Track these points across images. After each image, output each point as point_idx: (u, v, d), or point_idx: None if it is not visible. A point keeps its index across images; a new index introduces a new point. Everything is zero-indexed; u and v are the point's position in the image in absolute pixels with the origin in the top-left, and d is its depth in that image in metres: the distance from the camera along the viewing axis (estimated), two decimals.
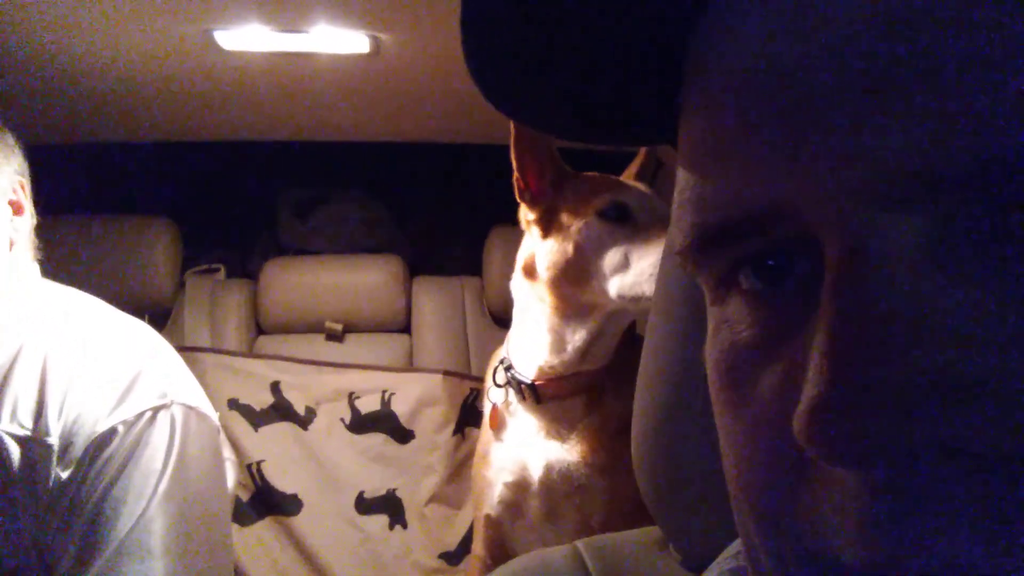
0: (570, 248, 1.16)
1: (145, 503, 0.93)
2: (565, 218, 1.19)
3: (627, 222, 1.14)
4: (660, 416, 0.48)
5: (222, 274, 2.08)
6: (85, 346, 1.01)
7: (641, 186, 1.23)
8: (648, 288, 1.10)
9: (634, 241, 1.12)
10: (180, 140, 1.90)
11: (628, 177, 1.28)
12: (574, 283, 1.18)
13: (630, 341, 1.28)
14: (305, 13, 1.20)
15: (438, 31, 1.30)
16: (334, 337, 2.01)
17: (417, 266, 2.19)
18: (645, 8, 0.27)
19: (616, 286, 1.13)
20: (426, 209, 2.65)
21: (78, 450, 0.93)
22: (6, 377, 0.97)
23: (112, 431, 0.94)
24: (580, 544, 0.58)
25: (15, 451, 0.93)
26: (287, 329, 2.03)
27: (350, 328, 2.03)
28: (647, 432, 0.51)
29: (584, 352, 1.21)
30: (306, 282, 2.04)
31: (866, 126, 0.20)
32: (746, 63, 0.23)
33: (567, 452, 1.21)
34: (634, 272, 1.11)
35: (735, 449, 0.26)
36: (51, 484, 0.92)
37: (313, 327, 2.02)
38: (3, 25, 1.22)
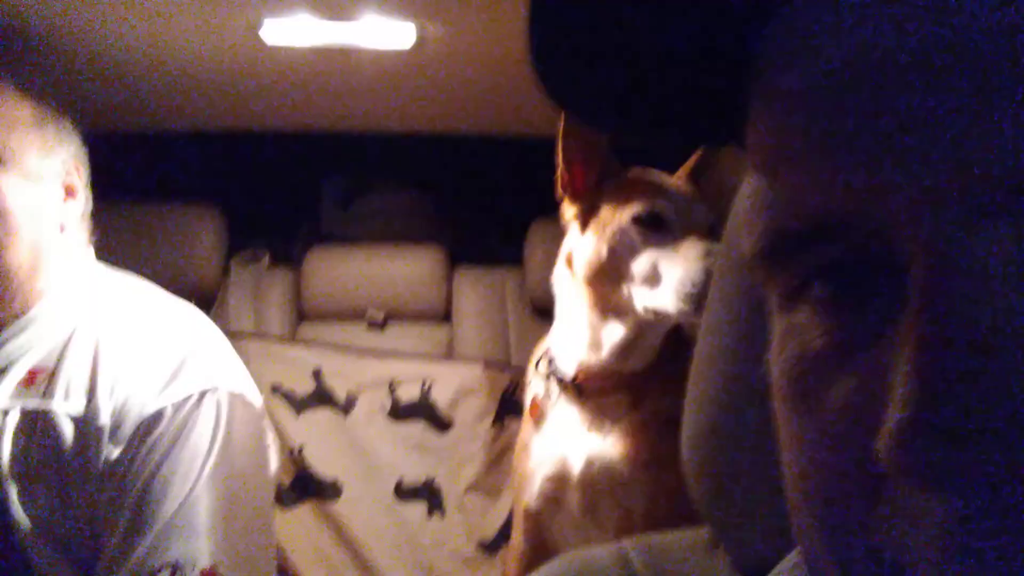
0: (604, 249, 1.15)
1: (191, 483, 0.95)
2: (604, 216, 1.18)
3: (661, 230, 1.12)
4: (713, 417, 0.48)
5: (266, 261, 2.10)
6: (136, 329, 1.03)
7: (687, 189, 1.20)
8: (672, 306, 1.08)
9: (665, 252, 1.10)
10: (227, 129, 1.92)
11: (683, 174, 1.26)
12: (607, 284, 1.17)
13: (676, 339, 1.26)
14: (352, 1, 1.20)
15: (484, 22, 1.29)
16: (375, 325, 2.02)
17: (458, 256, 2.19)
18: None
19: (641, 297, 1.12)
20: (468, 199, 2.65)
21: (128, 430, 0.96)
22: (60, 358, 1.00)
23: (160, 412, 0.96)
24: (626, 543, 0.57)
25: (68, 429, 0.96)
26: (329, 316, 2.05)
27: (391, 316, 2.05)
28: (699, 432, 0.50)
29: (622, 353, 1.19)
30: (348, 270, 2.06)
31: (956, 131, 0.19)
32: (828, 59, 0.23)
33: (609, 447, 1.20)
34: (661, 286, 1.10)
35: (801, 458, 0.26)
36: (102, 462, 0.95)
37: (355, 315, 2.03)
38: (58, 14, 1.24)
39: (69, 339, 1.01)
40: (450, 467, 1.83)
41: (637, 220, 1.13)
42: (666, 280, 1.08)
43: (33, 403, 0.97)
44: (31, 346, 1.00)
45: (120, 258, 1.85)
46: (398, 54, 1.38)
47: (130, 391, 0.97)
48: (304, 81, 1.57)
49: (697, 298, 1.05)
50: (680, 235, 1.11)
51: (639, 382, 1.21)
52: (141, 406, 0.97)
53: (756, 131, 0.27)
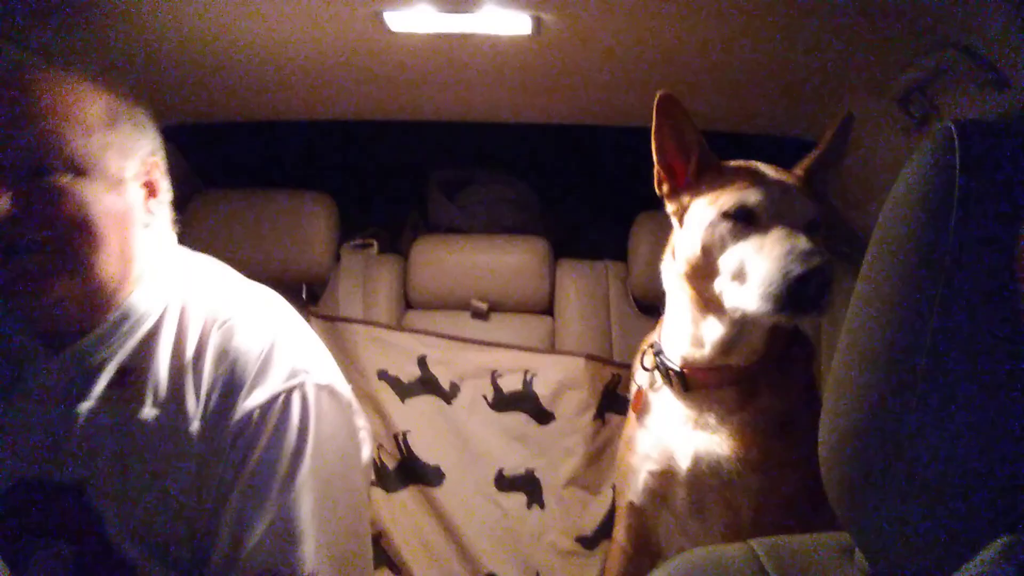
0: (697, 244, 1.13)
1: (287, 487, 0.96)
2: (698, 211, 1.15)
3: (752, 225, 1.09)
4: (860, 420, 0.45)
5: (375, 249, 2.15)
6: (220, 323, 1.03)
7: (789, 181, 1.15)
8: (753, 305, 1.04)
9: (753, 247, 1.07)
10: (341, 119, 1.97)
11: (799, 171, 1.21)
12: (703, 280, 1.15)
13: (791, 336, 1.22)
14: None
15: (600, 11, 1.28)
16: (479, 315, 2.04)
17: (562, 248, 2.18)
18: None
19: (729, 294, 1.09)
20: (573, 192, 2.64)
21: (219, 437, 0.96)
22: (149, 355, 1.00)
23: (249, 417, 0.96)
24: (755, 543, 0.56)
25: (156, 432, 0.97)
26: (434, 305, 2.08)
27: (495, 307, 2.06)
28: (843, 436, 0.47)
29: (724, 347, 1.16)
30: (453, 260, 2.08)
31: None
32: None
33: (717, 445, 1.18)
34: (746, 284, 1.06)
35: None
36: (195, 468, 0.96)
37: (459, 304, 2.06)
38: (185, 7, 1.29)
39: (156, 333, 1.02)
40: (550, 459, 1.83)
41: (726, 215, 1.10)
42: (750, 278, 1.05)
43: (124, 405, 0.98)
44: (121, 344, 1.01)
45: (235, 243, 1.94)
46: (516, 40, 1.38)
47: (217, 394, 0.98)
48: (424, 68, 1.59)
49: (779, 297, 1.01)
50: (767, 232, 1.07)
51: (747, 378, 1.18)
52: (230, 410, 0.97)
53: None
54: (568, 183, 2.65)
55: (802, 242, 1.03)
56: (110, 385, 0.99)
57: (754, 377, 1.18)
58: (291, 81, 1.72)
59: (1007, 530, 0.39)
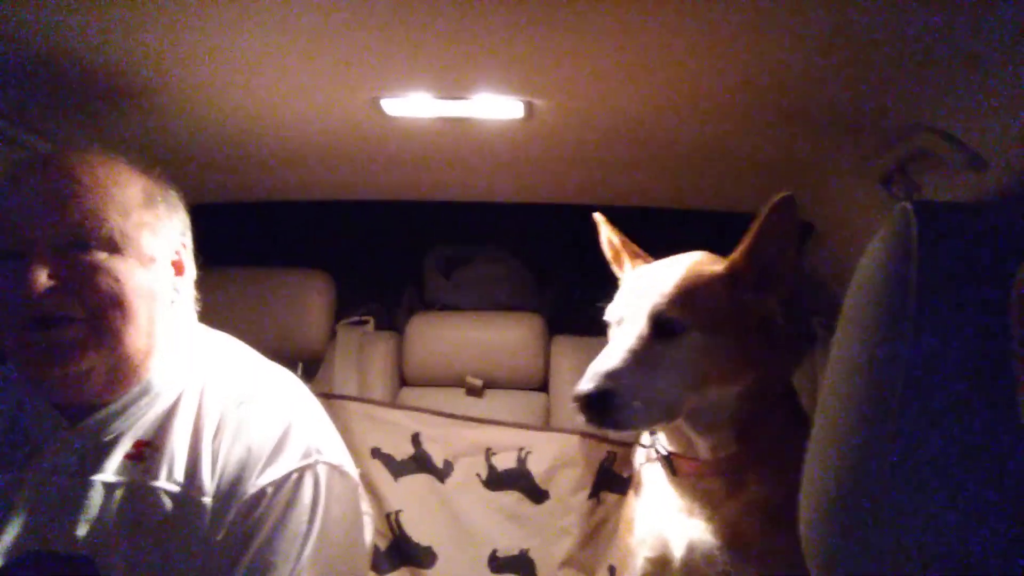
0: None
1: (292, 566, 0.96)
2: None
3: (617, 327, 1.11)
4: (840, 483, 0.46)
5: (371, 326, 2.17)
6: (237, 401, 1.05)
7: (641, 284, 1.12)
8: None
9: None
10: (341, 199, 2.02)
11: (735, 256, 1.13)
12: None
13: (789, 417, 1.21)
14: (466, 82, 1.26)
15: (589, 96, 1.33)
16: (474, 392, 2.04)
17: (557, 325, 2.20)
18: None
19: None
20: (566, 269, 2.67)
21: (231, 511, 0.97)
22: (165, 430, 1.02)
23: (262, 492, 0.98)
24: None
25: (169, 507, 0.98)
26: (429, 382, 2.08)
27: (489, 384, 2.06)
28: (822, 500, 0.48)
29: (681, 442, 1.15)
30: (449, 337, 2.10)
31: None
32: None
33: (711, 534, 1.15)
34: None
35: None
36: (204, 540, 0.96)
37: (454, 381, 2.06)
38: (187, 92, 1.34)
39: (174, 409, 1.04)
40: (545, 540, 1.80)
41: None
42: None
43: (138, 479, 0.99)
44: (139, 417, 1.03)
45: (232, 320, 1.94)
46: (509, 124, 1.43)
47: (233, 469, 0.99)
48: (421, 150, 1.64)
49: (575, 408, 0.99)
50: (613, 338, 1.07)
51: (732, 469, 1.15)
52: (243, 484, 0.98)
53: None
54: (563, 260, 2.68)
55: (597, 361, 1.02)
56: (126, 457, 1.00)
57: (740, 467, 1.15)
58: (292, 163, 1.77)
59: None
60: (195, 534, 0.97)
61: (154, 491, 0.98)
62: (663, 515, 1.21)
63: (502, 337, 2.09)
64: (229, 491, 0.98)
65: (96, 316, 0.95)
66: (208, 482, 0.99)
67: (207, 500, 0.98)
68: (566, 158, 1.65)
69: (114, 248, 0.97)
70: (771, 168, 1.66)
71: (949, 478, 0.39)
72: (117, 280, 0.96)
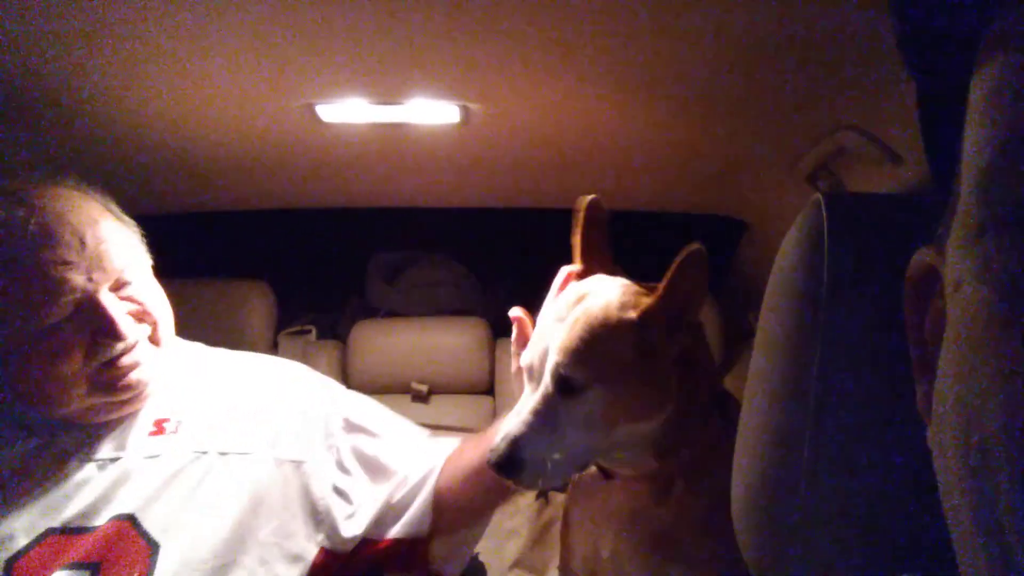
0: None
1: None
2: None
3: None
4: (761, 465, 0.48)
5: (313, 336, 2.15)
6: (239, 370, 1.22)
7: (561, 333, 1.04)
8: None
9: None
10: (278, 208, 1.99)
11: (654, 299, 1.02)
12: None
13: (706, 433, 1.19)
14: (401, 86, 1.26)
15: (523, 99, 1.34)
16: (420, 398, 2.04)
17: (501, 328, 2.21)
18: None
19: None
20: (509, 272, 2.68)
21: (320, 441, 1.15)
22: (179, 408, 1.09)
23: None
24: None
25: (206, 469, 1.05)
26: (375, 390, 2.06)
27: (435, 389, 2.06)
28: (747, 485, 0.50)
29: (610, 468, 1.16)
30: (393, 344, 2.09)
31: None
32: None
33: (639, 541, 1.16)
34: None
35: None
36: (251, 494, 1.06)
37: (400, 388, 2.05)
38: (114, 99, 1.32)
39: (182, 387, 1.13)
40: (494, 542, 1.80)
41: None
42: None
43: (165, 448, 1.05)
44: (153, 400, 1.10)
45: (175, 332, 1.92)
46: (446, 128, 1.44)
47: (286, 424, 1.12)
48: (358, 156, 1.63)
49: (489, 465, 0.97)
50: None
51: (660, 477, 1.10)
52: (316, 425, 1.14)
53: None
54: (505, 264, 2.70)
55: (507, 421, 1.00)
56: (150, 435, 1.06)
57: (666, 477, 1.11)
58: (228, 173, 1.74)
59: (909, 570, 0.41)
60: (239, 488, 1.04)
61: (190, 455, 1.04)
62: (595, 517, 1.22)
63: (447, 342, 2.09)
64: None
65: (156, 334, 1.08)
66: (237, 440, 1.08)
67: (259, 453, 1.08)
68: (504, 162, 1.67)
69: (134, 272, 1.07)
70: (703, 169, 1.70)
71: (858, 461, 0.42)
72: (159, 296, 1.12)
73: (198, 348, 1.25)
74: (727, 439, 1.09)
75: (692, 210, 2.00)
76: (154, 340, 1.08)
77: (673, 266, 0.97)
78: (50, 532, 0.95)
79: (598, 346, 0.98)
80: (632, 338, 0.99)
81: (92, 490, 0.99)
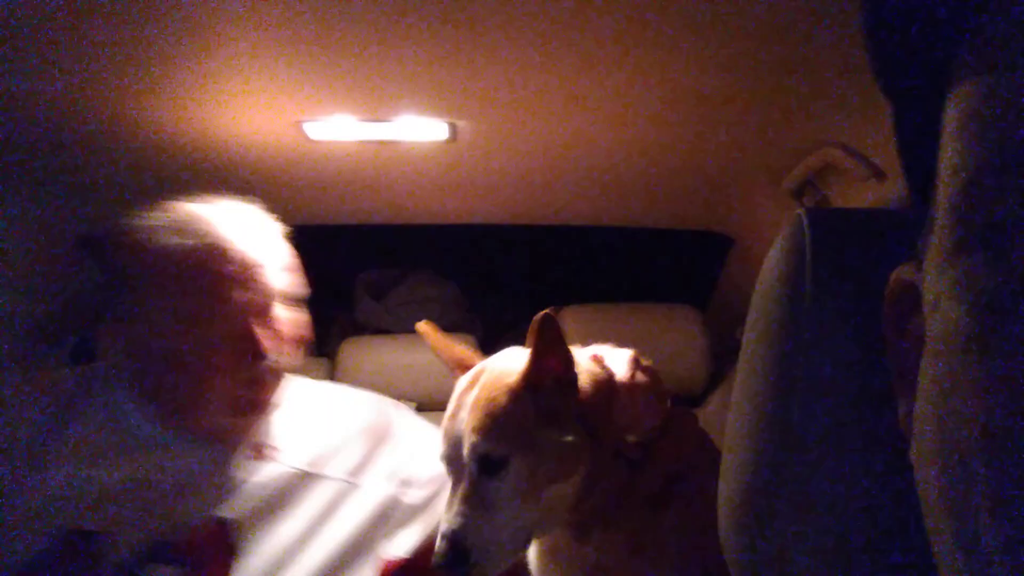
0: None
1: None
2: None
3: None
4: (745, 473, 0.48)
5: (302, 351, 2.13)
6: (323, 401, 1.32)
7: (474, 415, 1.03)
8: None
9: None
10: None
11: (527, 363, 1.02)
12: None
13: (618, 479, 1.17)
14: (389, 103, 1.27)
15: (511, 116, 1.35)
16: None
17: (489, 345, 2.20)
18: None
19: None
20: (497, 289, 2.69)
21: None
22: (275, 434, 1.13)
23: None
24: None
25: (297, 484, 1.12)
26: None
27: (423, 407, 2.05)
28: (732, 495, 0.50)
29: None
30: (381, 361, 2.08)
31: None
32: None
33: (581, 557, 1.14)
34: None
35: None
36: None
37: None
38: (104, 118, 1.31)
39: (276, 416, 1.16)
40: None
41: None
42: None
43: (261, 468, 1.09)
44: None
45: None
46: (434, 146, 1.45)
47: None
48: (347, 173, 1.63)
49: (438, 569, 0.96)
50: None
51: (575, 524, 1.09)
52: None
53: None
54: (493, 280, 2.70)
55: (443, 520, 0.99)
56: (246, 458, 1.09)
57: (581, 524, 1.09)
58: (215, 190, 1.73)
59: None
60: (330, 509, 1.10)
61: (278, 472, 1.08)
62: (533, 552, 1.19)
63: (434, 359, 2.08)
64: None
65: (291, 357, 1.14)
66: (326, 460, 1.14)
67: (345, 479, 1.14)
68: (492, 179, 1.67)
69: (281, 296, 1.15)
70: (690, 184, 1.71)
71: (840, 475, 0.42)
72: (298, 321, 1.17)
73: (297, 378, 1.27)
74: (639, 481, 1.07)
75: (679, 226, 2.01)
76: (285, 366, 1.11)
77: (530, 333, 0.99)
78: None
79: (502, 416, 1.00)
80: (529, 401, 1.01)
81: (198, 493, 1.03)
